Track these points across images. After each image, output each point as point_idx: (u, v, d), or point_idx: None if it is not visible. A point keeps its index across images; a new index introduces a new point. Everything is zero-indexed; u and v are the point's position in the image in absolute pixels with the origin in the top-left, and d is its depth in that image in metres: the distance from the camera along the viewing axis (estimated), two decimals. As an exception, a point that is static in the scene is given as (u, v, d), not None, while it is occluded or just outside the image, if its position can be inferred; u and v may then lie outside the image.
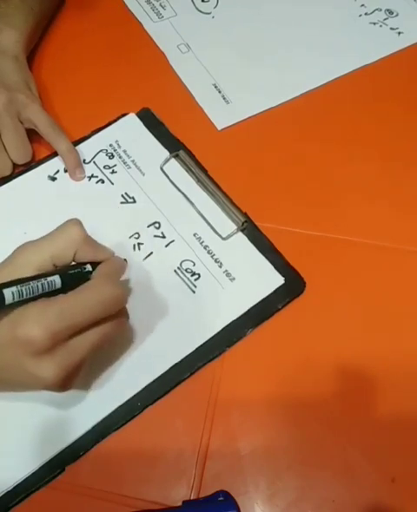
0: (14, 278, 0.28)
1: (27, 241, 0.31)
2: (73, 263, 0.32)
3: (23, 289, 0.28)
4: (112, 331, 0.31)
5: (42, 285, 0.28)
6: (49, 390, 0.31)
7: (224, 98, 0.48)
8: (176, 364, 0.37)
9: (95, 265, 0.32)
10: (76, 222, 0.32)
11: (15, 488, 0.33)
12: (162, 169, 0.44)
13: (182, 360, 0.37)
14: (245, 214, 0.42)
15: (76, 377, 0.31)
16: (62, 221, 0.41)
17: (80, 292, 0.30)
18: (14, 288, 0.27)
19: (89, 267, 0.31)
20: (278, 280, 0.39)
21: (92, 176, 0.44)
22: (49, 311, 0.28)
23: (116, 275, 0.33)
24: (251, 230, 0.41)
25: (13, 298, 0.27)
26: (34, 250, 0.31)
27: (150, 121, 0.46)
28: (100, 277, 0.31)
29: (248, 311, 0.38)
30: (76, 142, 0.45)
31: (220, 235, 0.41)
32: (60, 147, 0.43)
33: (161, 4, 0.53)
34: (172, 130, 0.46)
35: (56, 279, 0.29)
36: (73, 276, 0.30)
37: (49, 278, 0.29)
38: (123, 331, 0.35)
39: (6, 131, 0.41)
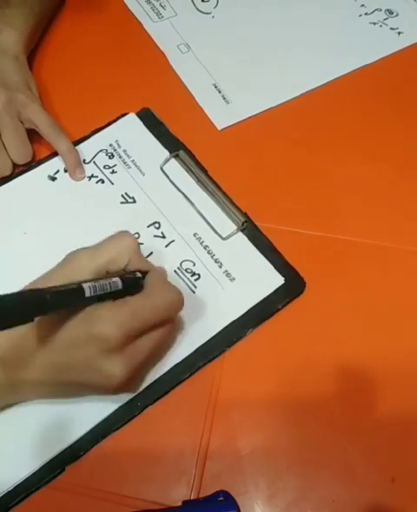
0: (71, 280, 0.30)
1: (78, 248, 0.33)
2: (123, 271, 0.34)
3: (96, 285, 0.30)
4: (167, 335, 0.34)
5: (109, 284, 0.31)
6: (109, 391, 0.33)
7: (224, 98, 0.48)
8: (176, 364, 0.37)
9: (143, 273, 0.34)
10: (128, 233, 0.35)
11: (15, 488, 0.33)
12: (162, 169, 0.44)
13: (182, 360, 0.37)
14: (245, 214, 0.42)
15: (136, 380, 0.34)
16: (62, 221, 0.42)
17: (149, 295, 0.32)
18: (90, 283, 0.30)
19: (139, 274, 0.34)
20: (278, 280, 0.39)
21: (92, 176, 0.44)
22: (122, 310, 0.30)
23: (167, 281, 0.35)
24: (251, 230, 0.41)
25: (90, 293, 0.29)
26: (91, 255, 0.33)
27: (150, 121, 0.46)
28: (159, 282, 0.34)
29: (248, 311, 0.38)
30: (76, 142, 0.45)
31: (220, 235, 0.41)
32: (60, 146, 0.43)
33: (161, 4, 0.53)
34: (172, 130, 0.46)
35: (119, 281, 0.31)
36: (129, 280, 0.33)
37: (113, 280, 0.31)
38: (172, 338, 0.37)
39: (6, 131, 0.41)
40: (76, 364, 0.31)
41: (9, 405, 0.35)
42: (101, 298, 0.31)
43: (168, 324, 0.33)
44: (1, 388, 0.32)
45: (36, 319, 0.27)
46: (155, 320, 0.32)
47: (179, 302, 0.33)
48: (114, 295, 0.31)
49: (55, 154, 0.44)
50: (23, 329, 0.30)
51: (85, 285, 0.29)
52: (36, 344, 0.31)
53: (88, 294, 0.29)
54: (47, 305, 0.27)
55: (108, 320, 0.30)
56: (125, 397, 0.36)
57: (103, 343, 0.30)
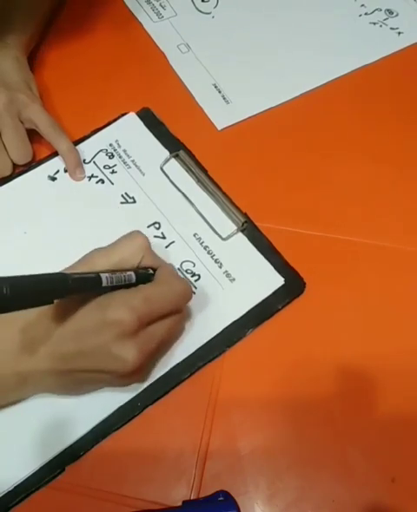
0: None
1: (96, 248, 0.34)
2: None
3: (113, 276, 0.31)
4: (177, 323, 0.35)
5: (124, 277, 0.32)
6: (121, 377, 0.33)
7: (224, 98, 0.48)
8: (176, 364, 0.37)
9: (154, 269, 0.35)
10: (141, 232, 0.36)
11: (15, 488, 0.33)
12: (162, 169, 0.44)
13: (182, 360, 0.37)
14: (245, 214, 0.42)
15: (146, 368, 0.35)
16: (63, 221, 0.42)
17: (160, 284, 0.34)
18: (107, 274, 0.31)
19: (151, 271, 0.35)
20: (278, 281, 0.39)
21: (92, 176, 0.44)
22: (135, 296, 0.31)
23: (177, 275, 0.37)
24: (251, 230, 0.41)
25: (106, 282, 0.31)
26: (107, 253, 0.34)
27: (150, 120, 0.46)
28: (169, 274, 0.35)
29: (249, 311, 0.38)
30: (76, 142, 0.45)
31: (220, 235, 0.41)
32: (61, 146, 0.43)
33: (161, 4, 0.53)
34: (172, 130, 0.46)
35: (132, 275, 0.33)
36: (142, 275, 0.34)
37: (128, 273, 0.33)
38: (181, 329, 0.38)
39: (6, 131, 0.41)
40: (89, 351, 0.31)
41: (17, 401, 0.35)
42: (114, 288, 0.32)
43: (178, 313, 0.34)
44: (12, 378, 0.32)
45: (50, 306, 0.28)
46: (166, 308, 0.33)
47: (188, 292, 0.34)
48: (126, 287, 0.32)
49: (55, 154, 0.44)
50: (35, 318, 0.31)
51: (103, 275, 0.31)
52: (49, 332, 0.31)
53: (104, 283, 0.30)
54: (68, 288, 0.28)
55: (121, 305, 0.31)
56: (125, 397, 0.36)
57: (117, 327, 0.30)
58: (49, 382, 0.34)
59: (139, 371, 0.33)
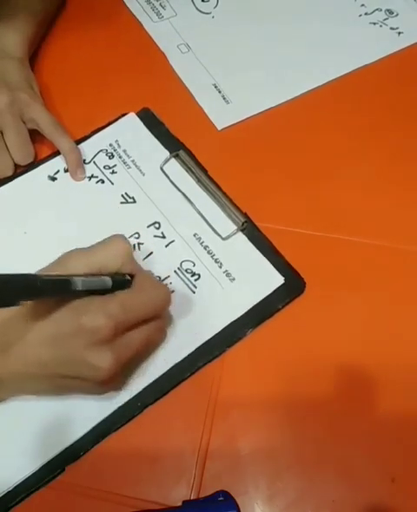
0: None
1: (75, 248, 0.33)
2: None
3: (86, 280, 0.30)
4: (156, 331, 0.34)
5: (99, 281, 0.31)
6: (95, 385, 0.32)
7: (224, 98, 0.48)
8: (176, 364, 0.37)
9: (132, 276, 0.34)
10: (124, 237, 0.34)
11: (15, 488, 0.33)
12: (162, 169, 0.44)
13: (182, 360, 0.37)
14: (245, 214, 0.42)
15: (120, 376, 0.34)
16: (63, 221, 0.42)
17: (138, 289, 0.33)
18: (81, 278, 0.30)
19: (128, 277, 0.34)
20: (278, 280, 0.39)
21: (92, 176, 0.44)
22: (112, 303, 0.31)
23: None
24: (251, 230, 0.42)
25: (79, 287, 0.29)
26: (85, 256, 0.32)
27: (150, 121, 0.46)
28: (147, 279, 0.34)
29: (249, 311, 0.38)
30: (77, 142, 0.44)
31: (220, 235, 0.41)
32: (63, 146, 0.43)
33: (161, 4, 0.53)
34: (172, 130, 0.46)
35: (108, 280, 0.32)
36: (118, 281, 0.33)
37: (104, 278, 0.32)
38: (162, 337, 0.37)
39: (8, 131, 0.42)
40: (63, 356, 0.30)
41: None
42: (89, 293, 0.31)
43: (157, 320, 0.34)
44: None
45: (25, 308, 0.27)
46: (144, 314, 0.32)
47: (166, 297, 0.34)
48: (102, 292, 0.31)
49: (55, 153, 0.44)
50: (8, 320, 0.31)
51: (75, 279, 0.29)
52: (23, 335, 0.30)
53: (76, 288, 0.29)
54: (36, 290, 0.27)
55: (97, 311, 0.30)
56: (125, 397, 0.36)
57: (93, 334, 0.30)
58: (28, 386, 0.33)
59: (115, 379, 0.32)
